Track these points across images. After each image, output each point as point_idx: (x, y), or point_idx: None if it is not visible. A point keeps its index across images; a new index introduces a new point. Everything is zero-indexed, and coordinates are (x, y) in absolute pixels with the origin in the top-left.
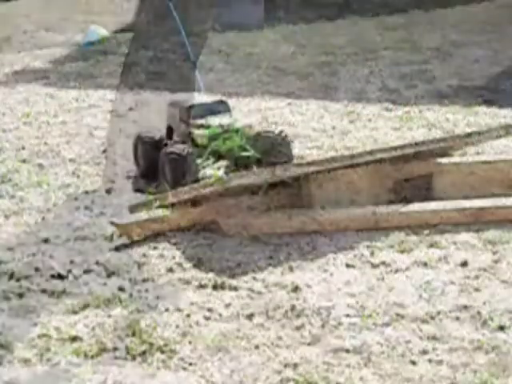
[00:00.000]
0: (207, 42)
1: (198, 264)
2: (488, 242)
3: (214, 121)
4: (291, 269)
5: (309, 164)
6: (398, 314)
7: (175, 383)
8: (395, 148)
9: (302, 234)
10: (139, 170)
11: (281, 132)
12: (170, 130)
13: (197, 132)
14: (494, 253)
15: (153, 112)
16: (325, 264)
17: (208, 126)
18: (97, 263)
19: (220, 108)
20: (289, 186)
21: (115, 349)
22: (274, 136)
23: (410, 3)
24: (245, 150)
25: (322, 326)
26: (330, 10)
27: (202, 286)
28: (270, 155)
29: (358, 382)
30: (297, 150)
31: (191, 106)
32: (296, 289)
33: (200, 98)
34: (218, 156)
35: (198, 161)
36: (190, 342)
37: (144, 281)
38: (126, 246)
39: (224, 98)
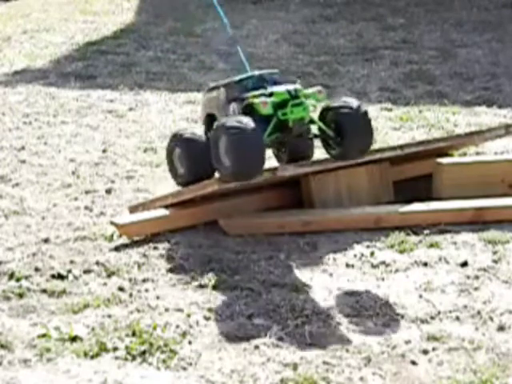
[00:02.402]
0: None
1: (198, 264)
2: (488, 241)
3: (279, 88)
4: (291, 269)
5: (309, 164)
6: (397, 314)
7: (175, 383)
8: (395, 148)
9: (302, 234)
10: (182, 178)
11: (359, 106)
12: (210, 120)
13: (257, 100)
14: (494, 253)
15: (153, 112)
16: (325, 264)
17: (271, 93)
18: (97, 263)
19: (278, 78)
20: (289, 186)
21: (115, 349)
22: (349, 111)
23: (409, 3)
24: (322, 131)
25: (322, 326)
26: (330, 9)
27: (201, 286)
28: (348, 142)
29: (357, 382)
30: None
31: (244, 78)
32: (296, 289)
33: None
34: (284, 127)
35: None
36: (189, 342)
37: (144, 281)
38: (125, 246)
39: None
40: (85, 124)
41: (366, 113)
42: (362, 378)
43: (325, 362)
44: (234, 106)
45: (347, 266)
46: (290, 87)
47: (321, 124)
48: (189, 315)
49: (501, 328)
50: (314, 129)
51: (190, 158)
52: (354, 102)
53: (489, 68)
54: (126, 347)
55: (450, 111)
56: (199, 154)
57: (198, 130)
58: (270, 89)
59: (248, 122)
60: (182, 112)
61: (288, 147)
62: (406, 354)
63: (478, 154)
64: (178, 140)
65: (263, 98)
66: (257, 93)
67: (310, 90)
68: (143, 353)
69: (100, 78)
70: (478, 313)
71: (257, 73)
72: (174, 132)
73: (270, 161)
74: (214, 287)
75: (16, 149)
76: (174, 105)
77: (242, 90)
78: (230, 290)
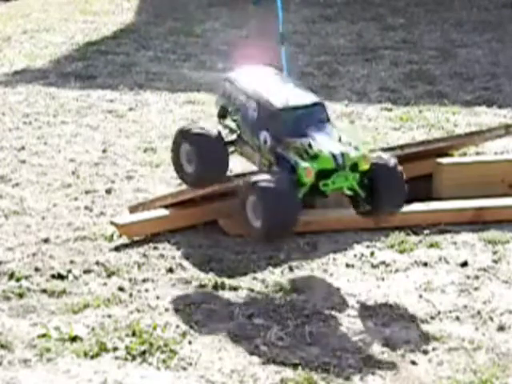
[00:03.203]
0: (209, 41)
1: (198, 264)
2: (488, 241)
3: (323, 144)
4: (291, 269)
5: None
6: (397, 314)
7: (175, 383)
8: (395, 148)
9: (302, 233)
10: (191, 177)
11: (395, 164)
12: (223, 113)
13: (303, 165)
14: (494, 253)
15: (153, 112)
16: (325, 264)
17: (316, 156)
18: (97, 263)
19: (318, 115)
20: None
21: (115, 349)
22: (384, 168)
23: (409, 3)
24: (354, 191)
25: (322, 326)
26: (330, 9)
27: (201, 286)
28: (380, 201)
29: (357, 382)
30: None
31: (281, 110)
32: (296, 289)
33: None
34: (320, 193)
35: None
36: (189, 342)
37: (144, 281)
38: (125, 246)
39: (316, 96)
40: (85, 124)
41: (401, 171)
42: (361, 378)
43: (325, 362)
44: (266, 137)
45: (347, 266)
46: (336, 150)
47: (355, 186)
48: (189, 315)
49: (501, 328)
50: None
51: (201, 155)
52: (388, 159)
53: (489, 68)
54: (126, 347)
55: (450, 111)
56: (211, 151)
57: (208, 124)
58: (314, 142)
59: (283, 181)
60: (181, 112)
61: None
62: (406, 354)
63: (478, 154)
64: (185, 136)
65: (308, 165)
66: (298, 142)
67: (355, 154)
68: (143, 353)
69: (100, 78)
70: (478, 313)
71: (296, 104)
72: (181, 127)
73: None
74: (214, 287)
75: (16, 149)
76: (174, 105)
77: (279, 121)
78: (230, 290)
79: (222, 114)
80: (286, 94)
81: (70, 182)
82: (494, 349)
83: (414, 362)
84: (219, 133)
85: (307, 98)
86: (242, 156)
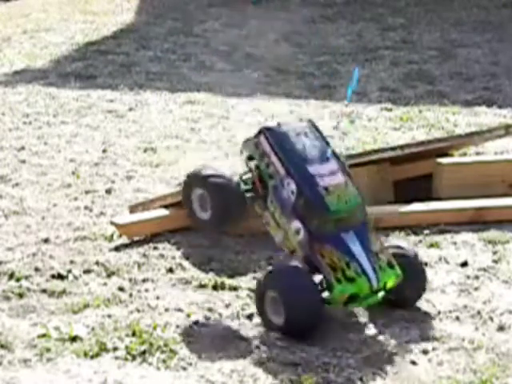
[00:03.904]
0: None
1: (198, 264)
2: (488, 241)
3: (361, 263)
4: None
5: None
6: (398, 314)
7: (175, 383)
8: (395, 148)
9: None
10: (206, 224)
11: (415, 254)
12: (249, 158)
13: (339, 289)
14: (494, 253)
15: (153, 112)
16: None
17: (353, 279)
18: (97, 263)
19: (359, 215)
20: None
21: (115, 349)
22: (405, 259)
23: (409, 3)
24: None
25: (322, 326)
26: (330, 9)
27: (201, 286)
28: (403, 293)
29: (357, 382)
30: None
31: (328, 212)
32: None
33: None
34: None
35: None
36: (189, 342)
37: (144, 281)
38: (125, 246)
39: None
40: (85, 124)
41: (421, 261)
42: (361, 378)
43: (325, 362)
44: (300, 230)
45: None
46: (372, 273)
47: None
48: (189, 315)
49: (501, 328)
50: None
51: (218, 202)
52: (407, 250)
53: (489, 68)
54: (126, 347)
55: (450, 111)
56: (228, 200)
57: (224, 169)
58: (352, 262)
59: (307, 279)
60: (181, 112)
61: None
62: (406, 354)
63: (478, 154)
64: (199, 180)
65: (345, 291)
66: (335, 256)
67: (388, 276)
68: (143, 353)
69: (100, 78)
70: (478, 313)
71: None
72: (194, 171)
73: None
74: (214, 287)
75: (16, 149)
76: (174, 105)
77: (321, 222)
78: (230, 289)
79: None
80: (331, 182)
81: (70, 182)
82: (494, 349)
83: (414, 362)
84: (237, 182)
85: (352, 193)
86: (259, 216)
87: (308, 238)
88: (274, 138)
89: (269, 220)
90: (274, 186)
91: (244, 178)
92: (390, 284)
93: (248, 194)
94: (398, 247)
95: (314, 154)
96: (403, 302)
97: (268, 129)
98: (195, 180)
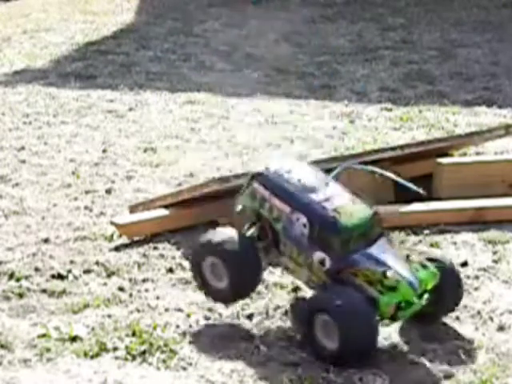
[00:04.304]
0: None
1: None
2: (488, 241)
3: (397, 270)
4: None
5: (309, 164)
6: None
7: (175, 383)
8: (395, 148)
9: None
10: (223, 293)
11: (452, 267)
12: (257, 218)
13: (385, 301)
14: (494, 253)
15: (153, 112)
16: None
17: (394, 287)
18: (97, 263)
19: (376, 228)
20: None
21: (115, 349)
22: (444, 269)
23: (409, 3)
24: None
25: None
26: (330, 9)
27: None
28: (442, 306)
29: (357, 382)
30: (297, 149)
31: (346, 230)
32: (296, 289)
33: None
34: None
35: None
36: (190, 342)
37: (144, 281)
38: (125, 246)
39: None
40: (85, 124)
41: (458, 272)
42: (361, 379)
43: (325, 363)
44: (324, 259)
45: None
46: (411, 276)
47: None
48: (189, 315)
49: (501, 328)
50: None
51: (234, 267)
52: (444, 260)
53: (489, 68)
54: (126, 347)
55: (450, 111)
56: (245, 263)
57: (231, 231)
58: (388, 270)
59: (361, 301)
60: (181, 112)
61: None
62: (406, 354)
63: (478, 154)
64: (212, 248)
65: (391, 302)
66: (369, 270)
67: (426, 276)
68: (143, 353)
69: (100, 78)
70: (478, 313)
71: (354, 222)
72: (204, 239)
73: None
74: None
75: (16, 149)
76: (174, 105)
77: (343, 244)
78: None
79: (254, 221)
80: (339, 203)
81: (70, 182)
82: (493, 349)
83: (413, 362)
84: (251, 242)
85: (362, 208)
86: (276, 266)
87: (335, 263)
88: (268, 180)
89: (287, 264)
90: (283, 228)
91: (248, 234)
92: (430, 285)
93: (260, 246)
94: (433, 258)
95: (312, 183)
96: (441, 314)
97: (259, 174)
98: (205, 248)
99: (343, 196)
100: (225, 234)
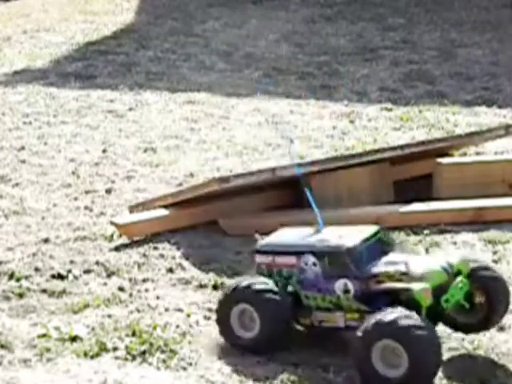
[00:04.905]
0: (209, 43)
1: (198, 264)
2: (488, 241)
3: (417, 263)
4: None
5: (309, 164)
6: None
7: (175, 383)
8: (395, 148)
9: None
10: (250, 342)
11: (496, 276)
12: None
13: (417, 287)
14: (494, 253)
15: (153, 112)
16: None
17: (421, 276)
18: (97, 263)
19: (383, 242)
20: (289, 186)
21: (115, 349)
22: (491, 275)
23: (409, 3)
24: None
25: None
26: (330, 9)
27: (201, 286)
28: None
29: (358, 382)
30: (297, 149)
31: (355, 246)
32: None
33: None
34: (438, 313)
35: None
36: (189, 342)
37: (144, 281)
38: (125, 246)
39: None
40: (85, 124)
41: (502, 277)
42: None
43: (325, 362)
44: (347, 285)
45: None
46: (443, 263)
47: (461, 299)
48: (189, 315)
49: (501, 328)
50: None
51: (266, 317)
52: (485, 264)
53: (489, 68)
54: (126, 347)
55: (450, 111)
56: (278, 312)
57: (265, 279)
58: (407, 265)
59: (418, 317)
60: (181, 112)
61: None
62: None
63: (478, 154)
64: (244, 294)
65: (424, 285)
66: (391, 271)
67: (457, 261)
68: (143, 353)
69: (100, 78)
70: None
71: (362, 238)
72: (235, 283)
73: (270, 161)
74: (214, 287)
75: (16, 149)
76: (174, 105)
77: (357, 260)
78: None
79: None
80: (340, 233)
81: (70, 182)
82: (493, 349)
83: None
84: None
85: (364, 229)
86: (310, 327)
87: (357, 283)
88: (266, 246)
89: (320, 318)
90: (298, 282)
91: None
92: (465, 271)
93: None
94: (474, 261)
95: (306, 232)
96: (491, 320)
97: (257, 248)
98: (237, 294)
99: (340, 229)
100: (260, 282)
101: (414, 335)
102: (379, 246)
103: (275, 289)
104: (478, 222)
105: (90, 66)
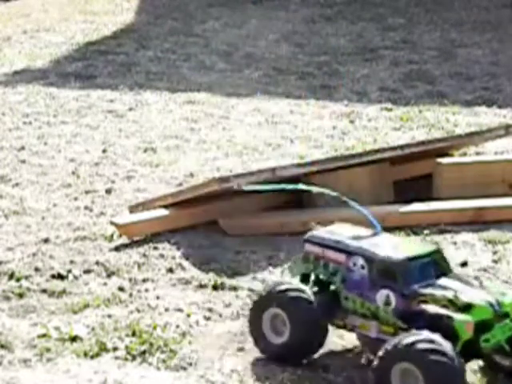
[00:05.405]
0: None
1: (198, 264)
2: (488, 241)
3: (468, 293)
4: None
5: (309, 164)
6: None
7: (175, 383)
8: (395, 148)
9: (302, 233)
10: (280, 348)
11: None
12: (305, 277)
13: (460, 318)
14: (494, 253)
15: (153, 112)
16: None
17: (468, 306)
18: (97, 263)
19: (439, 262)
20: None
21: (115, 349)
22: None
23: (409, 3)
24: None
25: None
26: (330, 10)
27: (201, 286)
28: None
29: (357, 382)
30: (297, 149)
31: (408, 260)
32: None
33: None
34: (475, 350)
35: None
36: (189, 342)
37: (144, 281)
38: (125, 246)
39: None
40: (85, 124)
41: None
42: (362, 378)
43: (325, 362)
44: (389, 297)
45: None
46: (487, 297)
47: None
48: (189, 315)
49: None
50: None
51: (299, 323)
52: None
53: (489, 68)
54: (126, 347)
55: (450, 111)
56: (311, 319)
57: (298, 283)
58: (458, 292)
59: (446, 344)
60: (181, 112)
61: None
62: None
63: (478, 154)
64: (276, 299)
65: (468, 318)
66: (438, 295)
67: (509, 301)
68: (143, 353)
69: (100, 78)
70: None
71: (420, 252)
72: (269, 287)
73: (270, 161)
74: (214, 287)
75: (16, 149)
76: (174, 105)
77: (406, 274)
78: (230, 290)
79: (304, 283)
80: (395, 242)
81: (70, 182)
82: None
83: None
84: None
85: (422, 244)
86: (343, 329)
87: (400, 298)
88: (319, 238)
89: (354, 322)
90: (342, 280)
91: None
92: (507, 301)
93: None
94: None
95: (363, 233)
96: None
97: (309, 237)
98: (270, 298)
99: (397, 238)
100: (294, 287)
101: (431, 360)
102: (433, 266)
103: (309, 296)
104: (478, 221)
105: (89, 65)
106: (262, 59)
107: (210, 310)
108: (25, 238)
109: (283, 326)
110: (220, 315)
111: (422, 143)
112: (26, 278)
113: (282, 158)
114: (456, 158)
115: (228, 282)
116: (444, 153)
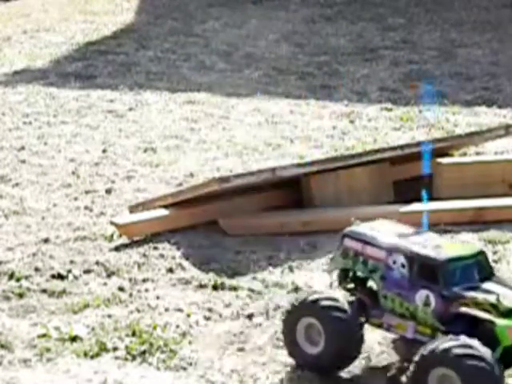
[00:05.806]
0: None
1: (198, 264)
2: (488, 241)
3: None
4: (291, 269)
5: (309, 164)
6: None
7: (175, 383)
8: (395, 148)
9: (302, 234)
10: (316, 359)
11: None
12: (344, 275)
13: (502, 323)
14: (494, 253)
15: (153, 112)
16: (325, 264)
17: (511, 311)
18: (97, 263)
19: (482, 265)
20: (289, 186)
21: (115, 349)
22: None
23: (409, 3)
24: None
25: None
26: (330, 10)
27: (201, 286)
28: None
29: (357, 382)
30: (297, 149)
31: (450, 261)
32: (296, 289)
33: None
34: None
35: None
36: (189, 342)
37: (144, 281)
38: (125, 246)
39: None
40: (85, 124)
41: None
42: (361, 378)
43: None
44: (429, 298)
45: None
46: None
47: None
48: (189, 315)
49: None
50: None
51: (335, 334)
52: None
53: (489, 68)
54: (126, 347)
55: (450, 111)
56: (346, 329)
57: (336, 293)
58: (501, 296)
59: (483, 348)
60: (181, 112)
61: None
62: (407, 353)
63: (478, 154)
64: (311, 308)
65: (510, 323)
66: (479, 298)
67: None
68: (143, 353)
69: (100, 78)
70: None
71: (459, 254)
72: (303, 296)
73: (270, 161)
74: (214, 287)
75: (16, 149)
76: (174, 105)
77: (447, 275)
78: (230, 290)
79: (343, 279)
80: (438, 242)
81: (70, 182)
82: None
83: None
84: (356, 305)
85: (466, 245)
86: (378, 328)
87: (440, 299)
88: (359, 234)
89: (390, 321)
90: (381, 278)
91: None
92: None
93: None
94: None
95: (405, 230)
96: None
97: (348, 232)
98: (304, 308)
99: (440, 238)
100: (329, 297)
101: (468, 365)
102: (476, 268)
103: (343, 305)
104: (478, 221)
105: (90, 65)
106: (262, 59)
107: (209, 310)
108: (25, 238)
109: (318, 335)
110: (220, 315)
111: (422, 143)
112: (26, 278)
113: (281, 157)
114: (456, 158)
115: (228, 282)
116: (444, 153)
